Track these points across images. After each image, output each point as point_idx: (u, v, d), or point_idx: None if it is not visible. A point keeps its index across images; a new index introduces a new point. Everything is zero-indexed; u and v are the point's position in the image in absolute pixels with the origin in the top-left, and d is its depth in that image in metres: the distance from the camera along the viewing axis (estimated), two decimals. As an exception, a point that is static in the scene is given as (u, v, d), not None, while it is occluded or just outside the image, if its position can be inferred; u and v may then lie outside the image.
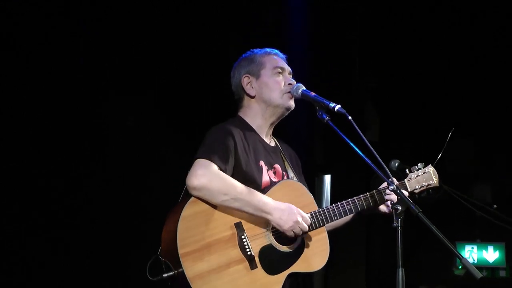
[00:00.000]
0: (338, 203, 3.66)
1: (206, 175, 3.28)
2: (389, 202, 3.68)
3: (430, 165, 3.93)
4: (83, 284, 5.88)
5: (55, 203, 5.82)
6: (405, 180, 3.84)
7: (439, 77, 8.29)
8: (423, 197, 3.88)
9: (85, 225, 5.92)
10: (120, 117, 6.16)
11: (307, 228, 3.45)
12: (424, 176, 3.86)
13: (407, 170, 3.89)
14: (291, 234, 3.41)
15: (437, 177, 3.90)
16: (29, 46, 5.70)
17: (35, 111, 5.74)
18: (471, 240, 8.74)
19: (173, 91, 6.38)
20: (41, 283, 5.75)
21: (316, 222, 3.54)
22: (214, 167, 3.33)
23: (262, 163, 3.59)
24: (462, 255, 3.15)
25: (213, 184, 3.27)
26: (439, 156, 4.02)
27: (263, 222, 3.42)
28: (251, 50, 3.87)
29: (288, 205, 3.44)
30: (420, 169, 3.88)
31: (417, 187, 3.83)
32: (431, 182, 3.86)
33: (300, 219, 3.41)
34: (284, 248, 3.45)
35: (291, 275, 3.45)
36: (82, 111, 5.97)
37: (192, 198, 3.29)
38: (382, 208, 3.75)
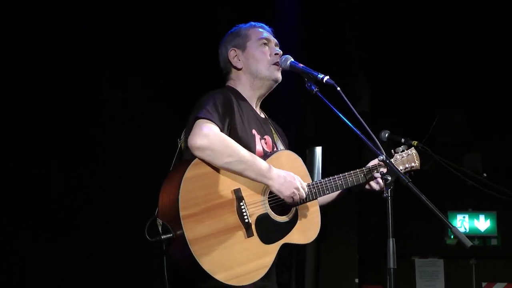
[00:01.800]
0: (330, 177, 3.67)
1: (211, 136, 3.24)
2: (378, 179, 3.74)
3: (413, 147, 3.99)
4: (83, 283, 5.91)
5: (54, 202, 5.84)
6: (392, 160, 3.86)
7: (430, 47, 8.28)
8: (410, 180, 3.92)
9: (84, 222, 5.93)
10: (117, 113, 6.17)
11: (305, 195, 3.45)
12: (407, 158, 3.93)
13: (392, 151, 3.93)
14: (290, 201, 3.41)
15: (419, 159, 3.96)
16: (28, 46, 5.67)
17: (33, 110, 5.73)
18: (462, 209, 8.79)
19: (167, 75, 6.38)
20: (40, 282, 5.77)
21: (310, 195, 3.55)
22: (217, 128, 3.30)
23: (255, 132, 3.58)
24: (454, 224, 3.18)
25: (217, 145, 3.23)
26: (427, 136, 4.05)
27: (261, 191, 3.41)
28: (237, 25, 3.85)
29: (288, 172, 3.43)
30: (403, 150, 3.94)
31: (401, 168, 3.89)
32: (413, 164, 3.94)
33: (299, 185, 3.42)
34: (279, 218, 3.44)
35: (284, 246, 3.45)
36: (79, 110, 5.96)
37: (196, 160, 3.24)
38: (371, 185, 3.80)
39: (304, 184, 3.47)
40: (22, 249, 5.72)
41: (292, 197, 3.40)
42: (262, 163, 3.37)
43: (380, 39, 8.26)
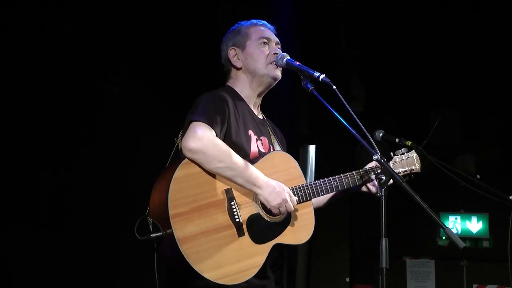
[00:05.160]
0: (325, 179, 3.67)
1: (204, 139, 3.25)
2: (375, 181, 3.73)
3: (413, 150, 3.98)
4: (73, 282, 5.87)
5: (44, 199, 5.80)
6: (390, 162, 3.89)
7: (425, 47, 8.29)
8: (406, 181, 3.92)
9: (74, 220, 5.90)
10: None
11: (293, 208, 3.45)
12: (408, 161, 3.92)
13: (391, 153, 3.92)
14: (276, 211, 3.41)
15: (420, 163, 3.95)
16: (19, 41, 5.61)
17: (23, 105, 5.68)
18: (454, 210, 8.80)
19: (161, 66, 6.35)
20: (32, 281, 5.73)
21: (304, 196, 3.56)
22: (212, 132, 3.31)
23: (251, 132, 3.59)
24: (446, 225, 3.18)
25: (209, 149, 3.24)
26: (426, 140, 4.05)
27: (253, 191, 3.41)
28: (239, 22, 3.86)
29: (278, 182, 3.43)
30: (403, 153, 3.94)
31: (400, 171, 3.89)
32: (413, 167, 3.92)
33: (288, 198, 3.41)
34: (271, 219, 3.45)
35: (276, 247, 3.45)
36: (70, 106, 5.93)
37: (186, 160, 3.26)
38: (368, 187, 3.81)
39: (294, 198, 3.47)
40: (15, 248, 5.69)
41: (279, 208, 3.40)
42: (253, 171, 3.37)
43: (375, 39, 8.26)
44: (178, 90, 6.27)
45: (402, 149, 3.93)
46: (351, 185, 3.74)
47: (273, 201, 3.37)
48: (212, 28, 6.02)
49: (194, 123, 3.32)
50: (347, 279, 8.17)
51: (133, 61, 6.29)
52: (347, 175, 3.73)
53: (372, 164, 3.79)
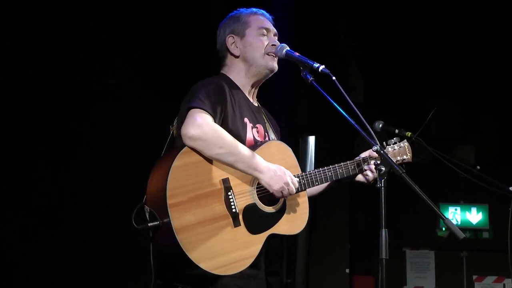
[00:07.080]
0: (320, 168, 3.66)
1: (204, 126, 3.23)
2: (368, 171, 3.74)
3: (405, 140, 3.98)
4: (70, 272, 5.87)
5: (45, 187, 5.80)
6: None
7: (423, 38, 8.29)
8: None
9: (73, 210, 5.90)
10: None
11: (295, 191, 3.44)
12: (399, 151, 3.93)
13: (384, 143, 3.93)
14: (279, 195, 3.40)
15: (411, 152, 3.96)
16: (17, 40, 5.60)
17: (19, 102, 5.68)
18: (454, 201, 8.81)
19: (155, 56, 6.34)
20: (31, 278, 5.73)
21: (299, 186, 3.53)
22: (211, 118, 3.30)
23: (246, 120, 3.58)
24: (446, 216, 3.16)
25: (210, 136, 3.22)
26: (420, 129, 4.06)
27: (250, 181, 3.40)
28: (238, 9, 3.82)
29: (278, 166, 3.42)
30: (395, 143, 3.94)
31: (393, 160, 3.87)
32: (405, 157, 3.93)
33: (289, 180, 3.41)
34: (267, 209, 3.43)
35: (271, 236, 3.45)
36: (65, 98, 5.92)
37: (185, 149, 3.24)
38: (361, 177, 3.80)
39: (295, 180, 3.46)
40: (15, 248, 5.69)
41: (281, 192, 3.39)
42: (253, 156, 3.36)
43: (373, 30, 8.26)
44: (178, 89, 6.25)
45: (394, 139, 3.94)
46: (345, 175, 3.73)
47: (274, 185, 3.36)
48: (206, 20, 6.00)
49: (193, 110, 3.30)
50: (347, 270, 8.18)
51: (133, 60, 6.29)
52: (341, 165, 3.71)
53: (366, 153, 3.80)
